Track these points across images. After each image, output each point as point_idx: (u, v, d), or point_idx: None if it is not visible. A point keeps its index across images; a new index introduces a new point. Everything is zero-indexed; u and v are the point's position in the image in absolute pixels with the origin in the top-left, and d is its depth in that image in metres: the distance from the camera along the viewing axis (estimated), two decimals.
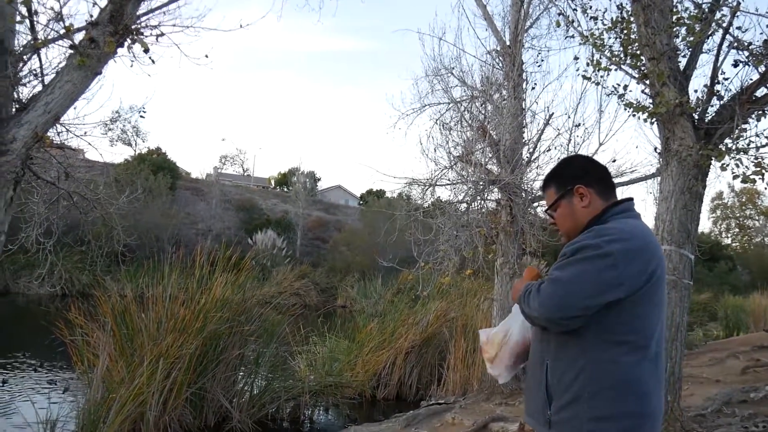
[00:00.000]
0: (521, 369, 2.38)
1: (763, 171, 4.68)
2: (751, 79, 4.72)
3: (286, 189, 48.30)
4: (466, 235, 7.18)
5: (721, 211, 42.82)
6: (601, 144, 7.01)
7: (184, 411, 6.56)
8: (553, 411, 2.01)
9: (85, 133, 4.24)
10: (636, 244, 1.91)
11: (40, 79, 3.58)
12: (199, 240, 23.64)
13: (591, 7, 5.57)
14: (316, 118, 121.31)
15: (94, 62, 3.40)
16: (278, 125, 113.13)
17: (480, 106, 8.00)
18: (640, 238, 1.94)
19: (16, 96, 3.50)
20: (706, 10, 4.72)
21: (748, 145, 4.73)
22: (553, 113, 7.51)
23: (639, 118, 5.17)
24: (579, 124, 7.10)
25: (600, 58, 5.33)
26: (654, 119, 5.04)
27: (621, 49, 5.20)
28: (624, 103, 5.26)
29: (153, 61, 3.85)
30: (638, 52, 4.97)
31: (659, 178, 5.17)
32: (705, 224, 44.82)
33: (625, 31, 5.12)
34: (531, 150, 7.60)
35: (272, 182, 58.14)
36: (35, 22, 3.60)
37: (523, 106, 7.69)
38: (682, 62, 5.04)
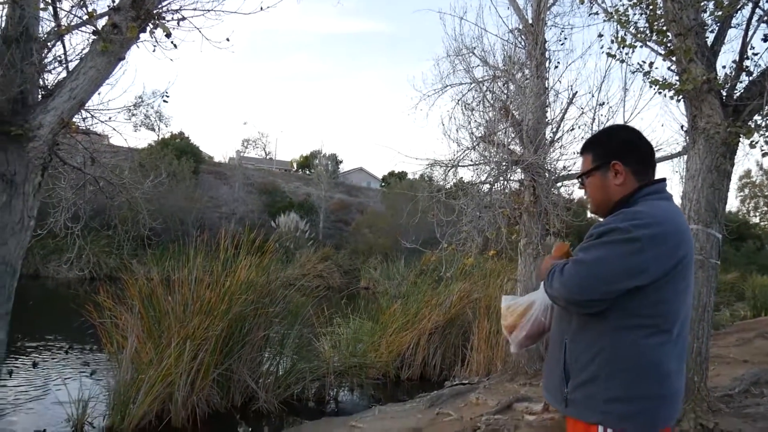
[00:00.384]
0: (543, 347, 2.38)
1: None
2: None
3: (308, 172, 48.44)
4: (489, 215, 7.15)
5: (749, 189, 42.01)
6: (625, 123, 6.91)
7: (211, 391, 6.67)
8: (570, 390, 2.01)
9: (110, 118, 4.27)
10: (664, 230, 1.87)
11: (64, 65, 3.61)
12: (222, 223, 23.81)
13: None
14: (337, 100, 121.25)
15: (117, 48, 3.42)
16: (299, 108, 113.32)
17: (502, 86, 7.91)
18: (670, 223, 1.90)
19: (41, 83, 3.54)
20: None
21: None
22: (576, 92, 7.41)
23: (665, 95, 5.08)
24: (603, 103, 6.99)
25: (625, 34, 5.23)
26: (681, 97, 4.94)
27: (646, 25, 5.09)
28: (650, 80, 5.16)
29: (175, 46, 3.86)
30: (664, 28, 4.87)
31: (686, 157, 5.09)
32: (732, 203, 44.08)
33: (651, 7, 5.01)
34: (554, 130, 7.52)
35: (294, 165, 58.29)
36: (58, 9, 3.63)
37: (546, 86, 7.59)
38: (710, 38, 4.93)
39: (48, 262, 19.42)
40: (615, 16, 5.23)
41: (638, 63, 5.33)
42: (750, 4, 4.68)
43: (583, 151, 2.21)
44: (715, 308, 5.56)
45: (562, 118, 7.49)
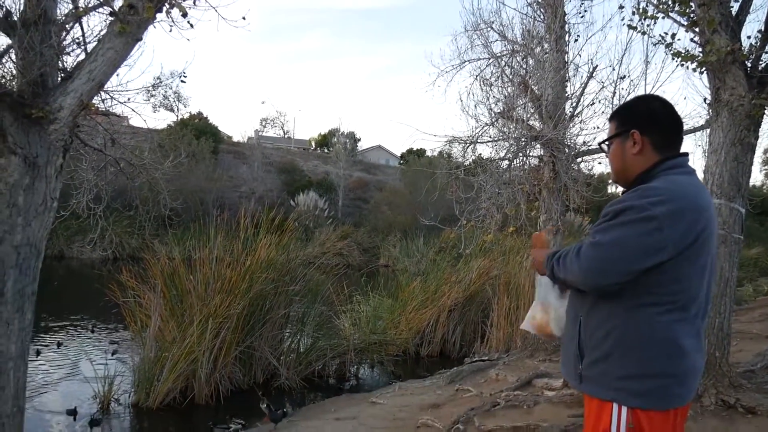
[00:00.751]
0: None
1: None
2: None
3: (326, 150, 48.45)
4: (508, 192, 7.11)
5: None
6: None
7: (233, 369, 6.78)
8: (584, 366, 2.01)
9: (129, 99, 4.28)
10: (682, 205, 1.84)
11: (82, 47, 3.62)
12: (242, 202, 23.91)
13: None
14: (355, 77, 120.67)
15: (134, 28, 3.42)
16: (317, 86, 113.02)
17: (521, 61, 7.80)
18: (687, 198, 1.87)
19: (60, 65, 3.56)
20: None
21: None
22: (597, 66, 7.27)
23: (688, 67, 4.97)
24: (624, 76, 6.86)
25: (646, 5, 5.13)
26: (704, 68, 4.84)
27: None
28: (672, 52, 5.06)
29: (191, 26, 3.85)
30: None
31: (708, 130, 5.00)
32: (757, 177, 43.31)
33: None
34: (574, 104, 7.41)
35: (313, 144, 58.31)
36: None
37: (566, 59, 7.47)
38: (735, 7, 4.80)
39: (72, 243, 19.74)
40: None
41: (660, 35, 5.22)
42: None
43: (611, 118, 2.20)
44: (738, 283, 5.50)
45: (582, 93, 7.38)
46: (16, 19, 3.29)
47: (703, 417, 4.28)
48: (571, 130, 7.36)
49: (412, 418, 5.34)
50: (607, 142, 2.18)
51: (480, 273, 9.73)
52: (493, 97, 7.64)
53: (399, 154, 52.98)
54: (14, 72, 3.49)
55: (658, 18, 5.12)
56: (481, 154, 8.13)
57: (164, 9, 3.59)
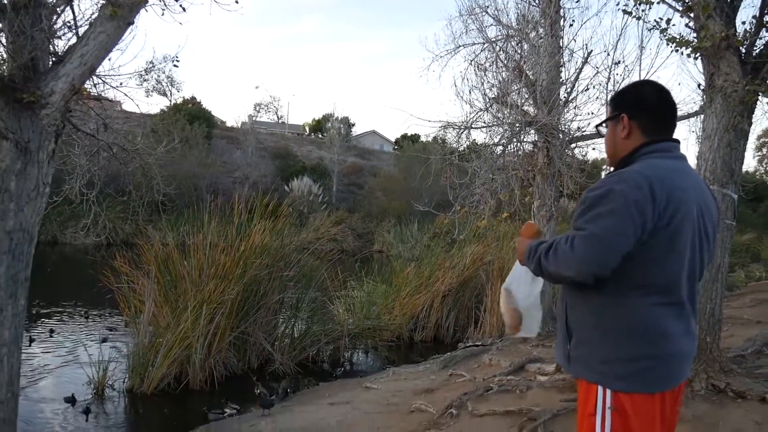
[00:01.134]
0: (555, 308, 2.39)
1: None
2: None
3: (320, 135, 48.29)
4: (503, 178, 7.11)
5: (767, 149, 41.38)
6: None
7: (228, 354, 6.79)
8: (572, 347, 2.04)
9: (121, 84, 4.25)
10: (655, 189, 1.84)
11: (74, 31, 3.59)
12: (236, 188, 23.88)
13: None
14: (349, 63, 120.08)
15: (126, 12, 3.38)
16: (311, 71, 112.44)
17: (516, 46, 7.78)
18: (663, 182, 1.86)
19: (51, 49, 3.52)
20: None
21: None
22: (591, 51, 7.25)
23: (682, 53, 4.95)
24: (619, 62, 6.85)
25: None
26: (698, 54, 4.83)
27: None
28: (666, 38, 5.04)
29: (183, 9, 3.83)
30: None
31: (702, 116, 5.00)
32: (750, 163, 43.44)
33: None
34: (568, 90, 7.40)
35: (307, 129, 58.14)
36: None
37: (561, 45, 7.44)
38: None
39: (65, 228, 19.64)
40: None
41: (655, 20, 5.19)
42: None
43: (609, 102, 2.23)
44: (729, 269, 5.53)
45: (577, 78, 7.37)
46: (6, 2, 3.25)
47: (694, 401, 4.32)
48: (565, 116, 7.36)
49: (406, 402, 5.37)
50: (603, 125, 2.21)
51: (474, 258, 9.75)
52: (488, 82, 7.63)
53: (393, 140, 52.92)
54: (4, 56, 3.46)
55: (653, 3, 5.09)
56: (475, 139, 8.14)
57: None
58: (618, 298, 1.90)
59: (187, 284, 6.58)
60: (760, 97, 4.59)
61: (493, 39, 7.78)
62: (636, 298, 1.89)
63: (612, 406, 1.90)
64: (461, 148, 7.69)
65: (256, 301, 7.10)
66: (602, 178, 2.01)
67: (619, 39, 6.83)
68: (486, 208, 7.23)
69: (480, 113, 7.48)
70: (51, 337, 8.21)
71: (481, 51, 7.86)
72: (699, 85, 5.05)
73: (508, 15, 7.79)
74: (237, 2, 4.07)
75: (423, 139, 31.55)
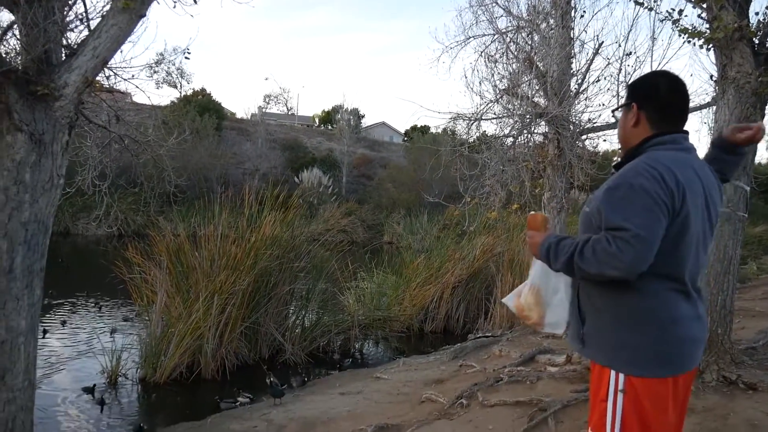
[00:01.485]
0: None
1: None
2: None
3: (330, 127, 48.23)
4: (513, 169, 7.10)
5: None
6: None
7: (239, 344, 6.84)
8: (585, 331, 2.06)
9: (133, 76, 4.28)
10: (659, 182, 1.85)
11: (86, 23, 3.62)
12: (246, 179, 23.97)
13: None
14: (359, 54, 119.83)
15: (138, 4, 3.40)
16: (321, 63, 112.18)
17: (526, 37, 7.74)
18: (670, 174, 1.87)
19: (64, 42, 3.55)
20: None
21: None
22: (602, 42, 7.21)
23: (694, 44, 4.92)
24: (630, 53, 6.80)
25: None
26: (710, 45, 4.79)
27: None
28: (678, 29, 5.00)
29: (195, 1, 3.85)
30: None
31: (714, 108, 4.97)
32: (762, 155, 43.16)
33: None
34: (579, 81, 7.36)
35: (316, 120, 58.05)
36: None
37: (572, 36, 7.40)
38: None
39: (77, 219, 19.78)
40: None
41: (667, 11, 5.16)
42: None
43: (626, 87, 2.25)
44: (741, 261, 5.50)
45: (588, 69, 7.32)
46: None
47: (705, 393, 4.32)
48: (576, 107, 7.32)
49: (416, 393, 5.40)
50: (618, 111, 2.23)
51: (484, 250, 9.75)
52: (498, 73, 7.60)
53: (403, 131, 52.73)
54: (18, 49, 3.48)
55: None
56: (485, 131, 8.11)
57: None
58: (630, 283, 1.90)
59: (199, 275, 6.62)
60: None
61: (504, 30, 7.74)
62: (648, 284, 1.90)
63: (623, 389, 1.91)
64: (471, 140, 7.67)
65: (267, 291, 7.15)
66: (615, 175, 1.98)
67: (630, 30, 6.78)
68: (496, 199, 7.21)
69: (490, 104, 7.46)
70: (63, 327, 8.30)
71: (492, 42, 7.83)
72: (711, 77, 5.02)
73: (518, 6, 7.75)
74: None
75: (433, 130, 31.54)
